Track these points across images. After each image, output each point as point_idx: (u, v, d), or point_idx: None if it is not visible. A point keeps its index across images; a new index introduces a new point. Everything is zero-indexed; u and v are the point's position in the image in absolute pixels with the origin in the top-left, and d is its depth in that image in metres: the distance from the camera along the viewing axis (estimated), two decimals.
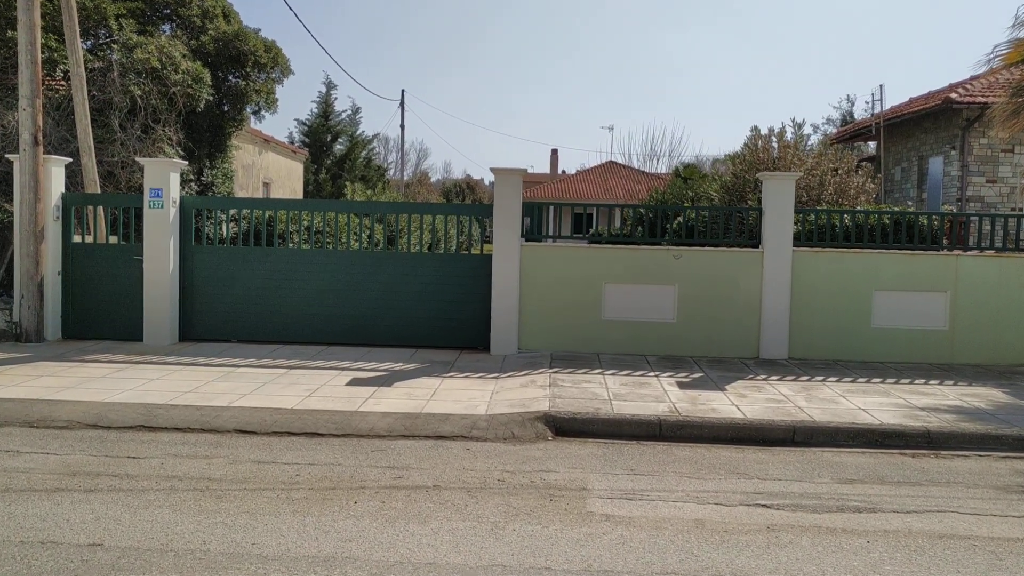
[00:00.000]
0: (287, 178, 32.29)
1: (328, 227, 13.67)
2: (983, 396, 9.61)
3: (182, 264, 12.41)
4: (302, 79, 76.22)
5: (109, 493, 6.06)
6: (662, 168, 47.16)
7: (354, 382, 9.76)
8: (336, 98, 47.17)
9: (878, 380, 10.39)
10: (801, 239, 11.97)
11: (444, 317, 12.24)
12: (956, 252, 11.91)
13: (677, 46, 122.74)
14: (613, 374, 10.36)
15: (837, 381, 10.27)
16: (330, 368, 10.57)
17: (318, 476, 6.56)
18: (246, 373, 10.16)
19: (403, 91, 67.52)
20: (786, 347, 11.76)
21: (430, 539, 5.32)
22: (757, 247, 11.93)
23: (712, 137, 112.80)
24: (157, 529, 5.36)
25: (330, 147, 41.25)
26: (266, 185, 29.51)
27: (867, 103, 35.76)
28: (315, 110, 42.05)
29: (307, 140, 40.97)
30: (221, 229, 12.78)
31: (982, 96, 19.30)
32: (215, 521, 5.53)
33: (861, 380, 10.35)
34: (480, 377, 10.25)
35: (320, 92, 44.11)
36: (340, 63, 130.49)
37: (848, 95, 24.05)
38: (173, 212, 12.16)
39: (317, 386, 9.49)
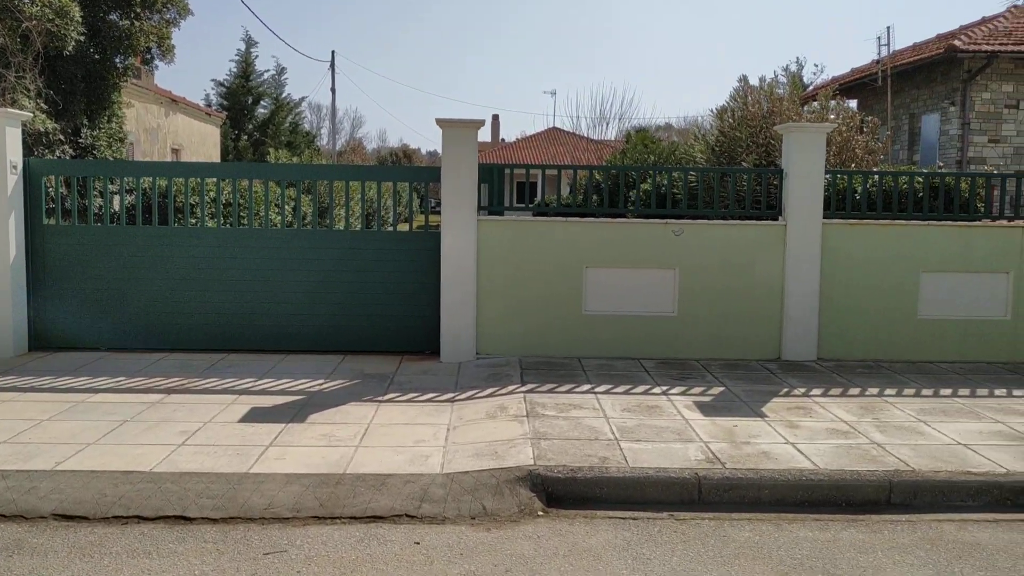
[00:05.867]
0: (201, 144, 28.86)
1: (243, 199, 10.82)
2: None
3: (31, 250, 9.39)
4: (220, 38, 71.39)
5: None
6: (611, 134, 44.50)
7: (252, 416, 6.96)
8: (257, 56, 43.35)
9: (947, 392, 8.00)
10: (830, 208, 9.48)
11: (379, 313, 9.49)
12: (1019, 223, 9.57)
13: (618, 5, 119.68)
14: (608, 392, 7.76)
15: (898, 395, 7.85)
16: (222, 391, 7.74)
17: None
18: (103, 403, 7.27)
19: (333, 52, 63.38)
20: (815, 346, 9.30)
21: None
22: (776, 219, 9.43)
23: (664, 102, 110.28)
24: None
25: (251, 110, 37.62)
26: (175, 152, 26.12)
27: (816, 66, 33.85)
28: (234, 70, 38.29)
29: (225, 103, 37.26)
30: (95, 203, 9.75)
31: (987, 44, 17.11)
32: None
33: (927, 392, 7.95)
34: (429, 400, 7.56)
35: (239, 50, 40.36)
36: (262, 19, 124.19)
37: (797, 57, 22.21)
38: (13, 181, 9.11)
39: (198, 425, 6.67)
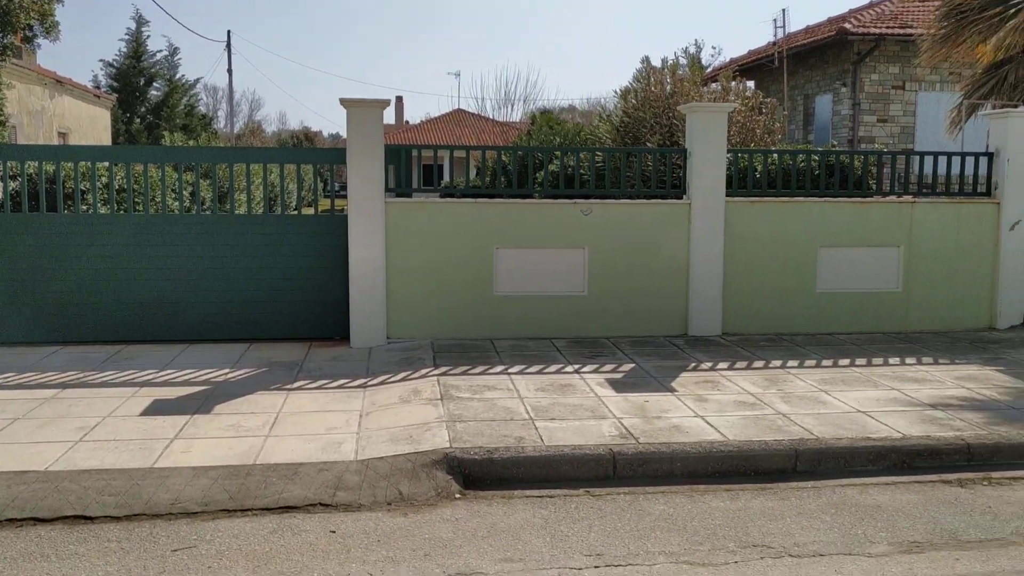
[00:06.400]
0: (90, 127, 27.59)
1: (137, 184, 10.29)
2: (982, 379, 7.69)
3: None
4: (108, 16, 68.22)
5: None
6: (517, 116, 44.56)
7: (155, 408, 6.69)
8: (149, 36, 41.55)
9: (845, 361, 8.32)
10: (732, 187, 9.70)
11: (286, 299, 9.25)
12: (908, 199, 10.00)
13: None
14: (521, 372, 7.77)
15: (800, 367, 8.11)
16: (122, 383, 7.42)
17: None
18: None
19: (229, 32, 61.41)
20: (720, 321, 9.53)
21: None
22: (681, 198, 9.59)
23: (568, 84, 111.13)
24: None
25: (144, 92, 36.12)
26: (62, 136, 24.90)
27: (714, 48, 34.78)
28: (124, 49, 36.64)
29: (116, 84, 35.66)
30: None
31: (875, 27, 17.78)
32: None
33: (827, 363, 8.25)
34: (341, 387, 7.42)
35: (129, 29, 38.65)
36: None
37: (696, 40, 22.59)
38: None
39: (97, 420, 6.38)
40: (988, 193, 10.09)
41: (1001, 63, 11.65)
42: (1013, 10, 11.05)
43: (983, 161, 10.13)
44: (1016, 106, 10.37)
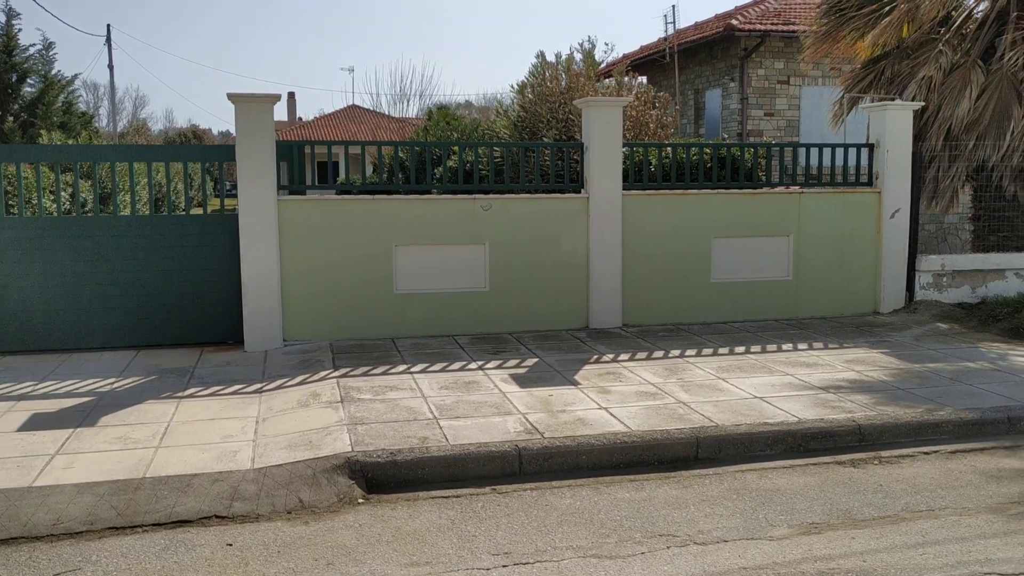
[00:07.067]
0: None
1: (11, 186, 9.60)
2: (870, 361, 8.00)
3: None
4: None
5: None
6: (412, 111, 44.34)
7: (34, 423, 6.28)
8: (20, 29, 39.37)
9: (741, 349, 8.52)
10: (629, 180, 9.79)
11: (175, 304, 8.84)
12: (796, 190, 10.32)
13: None
14: (424, 371, 7.65)
15: (697, 355, 8.26)
16: None
17: None
18: None
19: (108, 25, 58.57)
20: (620, 313, 9.62)
21: None
22: (579, 192, 9.63)
23: (464, 80, 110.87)
24: None
25: (17, 89, 34.08)
26: None
27: (607, 44, 35.43)
28: None
29: None
30: None
31: (760, 24, 18.32)
32: None
33: (723, 351, 8.43)
34: (235, 393, 7.13)
35: None
36: None
37: (589, 36, 22.91)
38: None
39: None
40: (870, 183, 10.50)
41: (878, 59, 12.14)
42: (888, 7, 11.53)
43: (864, 152, 10.55)
44: (893, 99, 10.83)
